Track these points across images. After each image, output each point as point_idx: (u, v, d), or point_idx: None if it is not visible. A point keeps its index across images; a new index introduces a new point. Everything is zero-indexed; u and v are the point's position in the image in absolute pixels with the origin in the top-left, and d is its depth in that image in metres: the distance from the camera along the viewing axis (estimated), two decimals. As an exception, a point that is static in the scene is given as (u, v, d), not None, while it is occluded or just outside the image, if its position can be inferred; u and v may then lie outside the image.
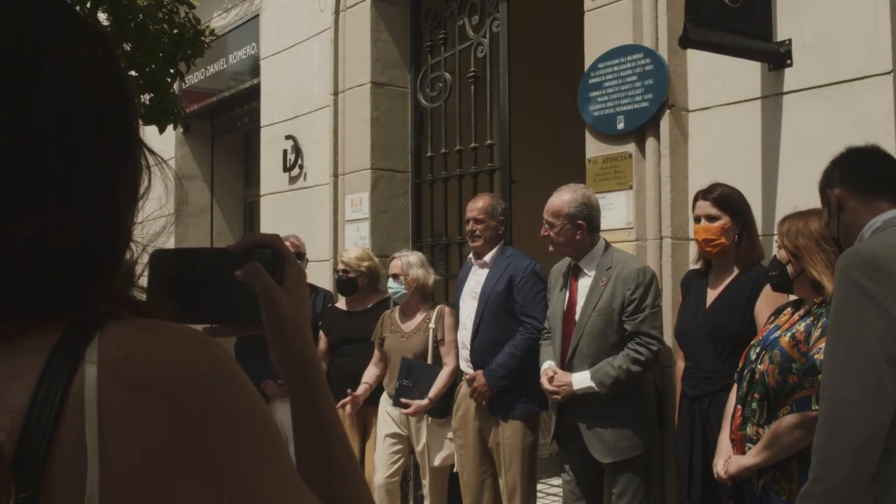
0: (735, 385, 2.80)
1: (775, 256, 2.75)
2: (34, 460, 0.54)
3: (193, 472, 0.56)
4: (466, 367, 3.96)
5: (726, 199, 3.12)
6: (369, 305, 4.63)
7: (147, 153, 0.70)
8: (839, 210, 2.18)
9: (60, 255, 0.61)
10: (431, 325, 4.25)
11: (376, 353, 4.41)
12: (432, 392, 4.08)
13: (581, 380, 3.36)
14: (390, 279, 4.31)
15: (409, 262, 4.33)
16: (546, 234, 3.50)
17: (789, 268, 2.66)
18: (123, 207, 0.66)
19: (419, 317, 4.31)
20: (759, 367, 2.63)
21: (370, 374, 4.44)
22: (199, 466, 0.56)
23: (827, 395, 1.92)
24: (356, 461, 0.85)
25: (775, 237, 2.76)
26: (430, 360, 4.20)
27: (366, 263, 4.61)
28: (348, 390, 4.25)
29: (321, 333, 4.70)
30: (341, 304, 4.75)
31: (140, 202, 0.69)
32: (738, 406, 2.73)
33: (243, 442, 0.59)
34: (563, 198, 3.49)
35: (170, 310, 0.67)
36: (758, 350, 2.69)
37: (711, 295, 3.18)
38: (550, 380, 3.46)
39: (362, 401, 4.33)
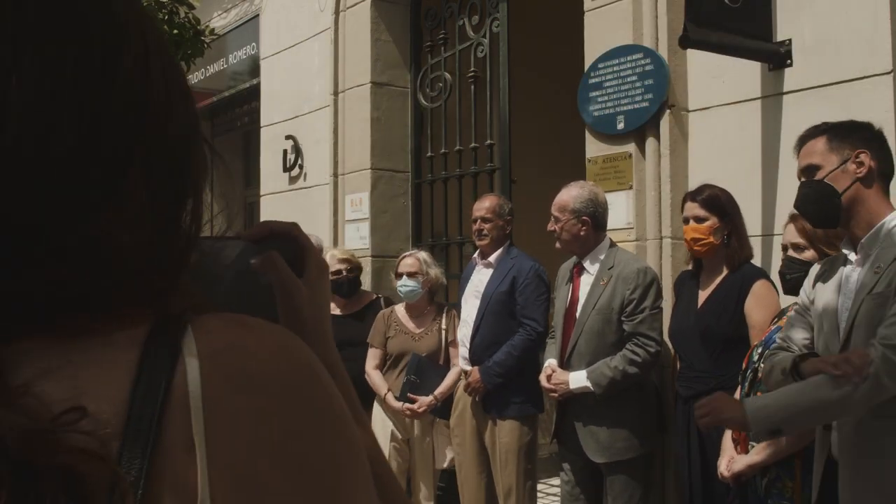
0: (739, 386, 2.80)
1: (790, 258, 2.72)
2: (139, 459, 0.50)
3: (294, 473, 0.53)
4: (465, 364, 3.97)
5: (714, 201, 3.14)
6: (364, 305, 4.53)
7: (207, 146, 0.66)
8: (862, 181, 2.09)
9: (137, 247, 0.57)
10: (443, 325, 4.23)
11: (377, 354, 4.29)
12: (438, 391, 4.07)
13: (577, 379, 3.36)
14: (404, 277, 4.20)
15: (425, 261, 4.28)
16: (552, 228, 3.51)
17: None
18: (194, 198, 0.63)
19: (429, 317, 4.27)
20: (761, 366, 2.63)
21: (384, 380, 4.25)
22: (300, 466, 0.53)
23: None
24: (392, 472, 0.79)
25: (785, 239, 2.74)
26: (442, 361, 4.18)
27: (358, 261, 4.56)
28: (405, 405, 4.10)
29: None
30: (331, 306, 4.67)
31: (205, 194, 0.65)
32: None
33: (336, 441, 0.57)
34: (571, 193, 3.50)
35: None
36: (760, 350, 2.69)
37: (702, 296, 3.19)
38: (549, 378, 3.47)
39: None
